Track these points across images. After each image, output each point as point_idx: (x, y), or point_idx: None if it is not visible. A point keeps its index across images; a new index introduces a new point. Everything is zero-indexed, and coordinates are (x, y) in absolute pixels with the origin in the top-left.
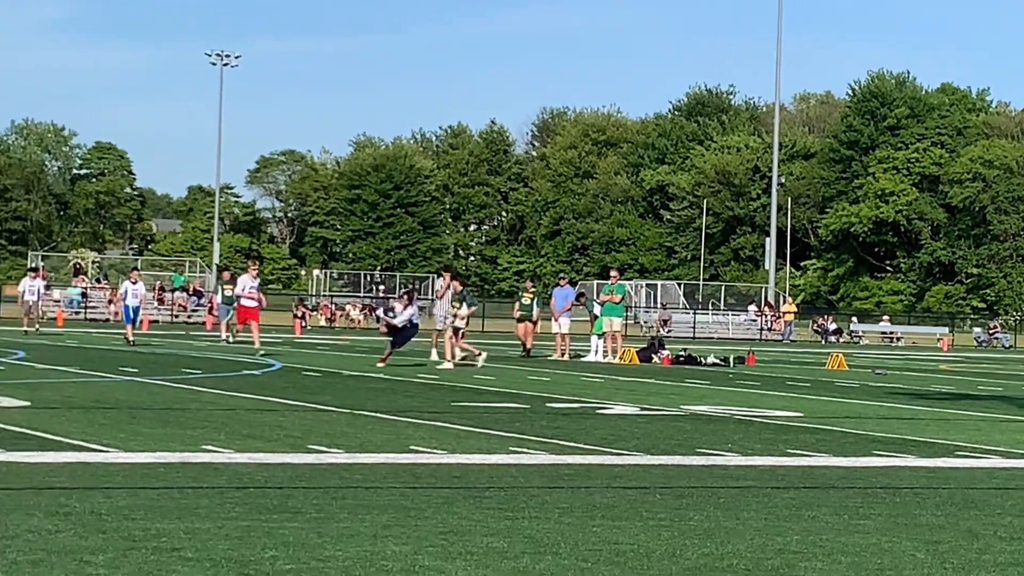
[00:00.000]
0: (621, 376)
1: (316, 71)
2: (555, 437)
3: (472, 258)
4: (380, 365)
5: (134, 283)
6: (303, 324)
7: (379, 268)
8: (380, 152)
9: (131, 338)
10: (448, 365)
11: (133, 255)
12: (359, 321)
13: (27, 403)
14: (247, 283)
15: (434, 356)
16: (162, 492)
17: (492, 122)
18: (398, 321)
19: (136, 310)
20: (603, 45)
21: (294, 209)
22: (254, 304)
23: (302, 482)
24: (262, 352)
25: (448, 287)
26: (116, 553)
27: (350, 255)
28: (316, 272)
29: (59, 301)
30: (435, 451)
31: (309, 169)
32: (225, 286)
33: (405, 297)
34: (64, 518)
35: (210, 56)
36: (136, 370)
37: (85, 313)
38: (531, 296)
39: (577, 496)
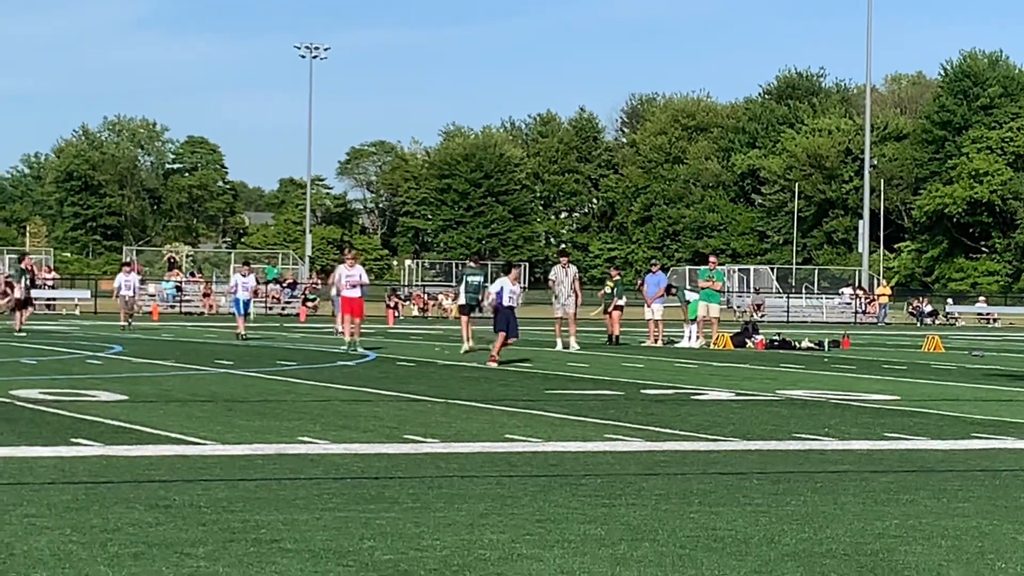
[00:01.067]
0: (715, 362)
1: (405, 61)
2: (650, 424)
3: (563, 245)
4: (492, 365)
5: (244, 276)
6: (396, 314)
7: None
8: (470, 141)
9: (242, 331)
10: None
11: (226, 248)
12: (451, 310)
13: (125, 397)
14: (343, 273)
15: (559, 345)
16: (260, 484)
17: (581, 109)
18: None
19: (247, 303)
20: (692, 30)
21: (385, 200)
22: (356, 294)
23: (398, 472)
24: (353, 347)
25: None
26: (216, 545)
27: (441, 245)
28: (408, 262)
29: (154, 295)
30: (530, 439)
31: (399, 159)
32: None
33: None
34: (164, 511)
35: (299, 49)
36: (231, 363)
37: (180, 307)
38: (612, 284)
39: (674, 483)
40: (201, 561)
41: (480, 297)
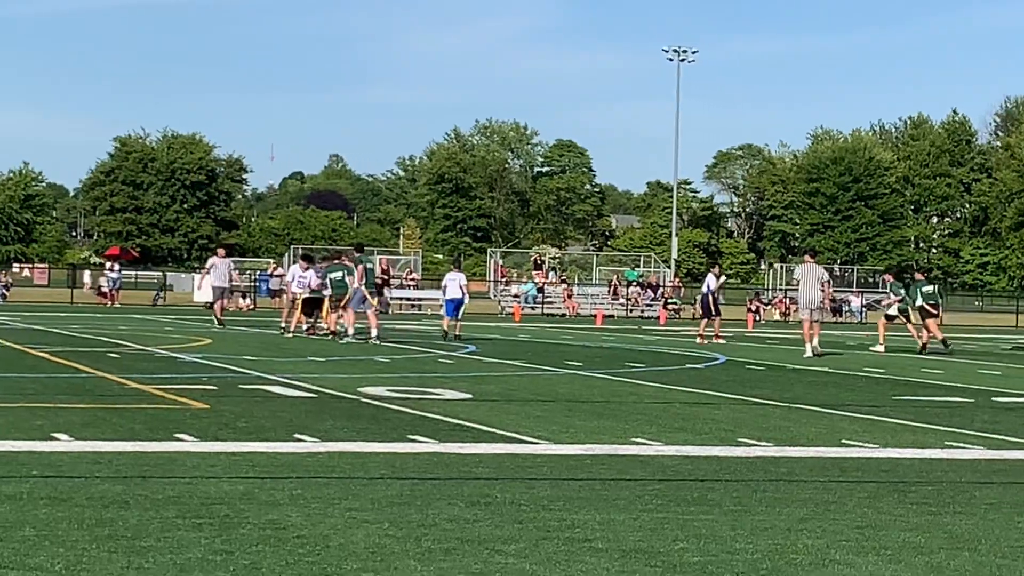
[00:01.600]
0: None
1: (773, 65)
2: (995, 432)
3: (934, 250)
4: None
5: (303, 271)
6: (756, 318)
7: (838, 262)
8: (839, 145)
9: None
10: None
11: (593, 251)
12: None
13: (469, 395)
14: (296, 273)
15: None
16: (584, 484)
17: (954, 112)
18: None
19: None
20: None
21: (752, 203)
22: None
23: (726, 475)
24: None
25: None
26: (528, 543)
27: (808, 247)
28: (776, 266)
29: (517, 296)
30: (866, 445)
31: (767, 163)
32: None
33: None
34: (483, 508)
35: (667, 52)
36: (580, 363)
37: (542, 308)
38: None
39: (1008, 492)
40: (511, 558)
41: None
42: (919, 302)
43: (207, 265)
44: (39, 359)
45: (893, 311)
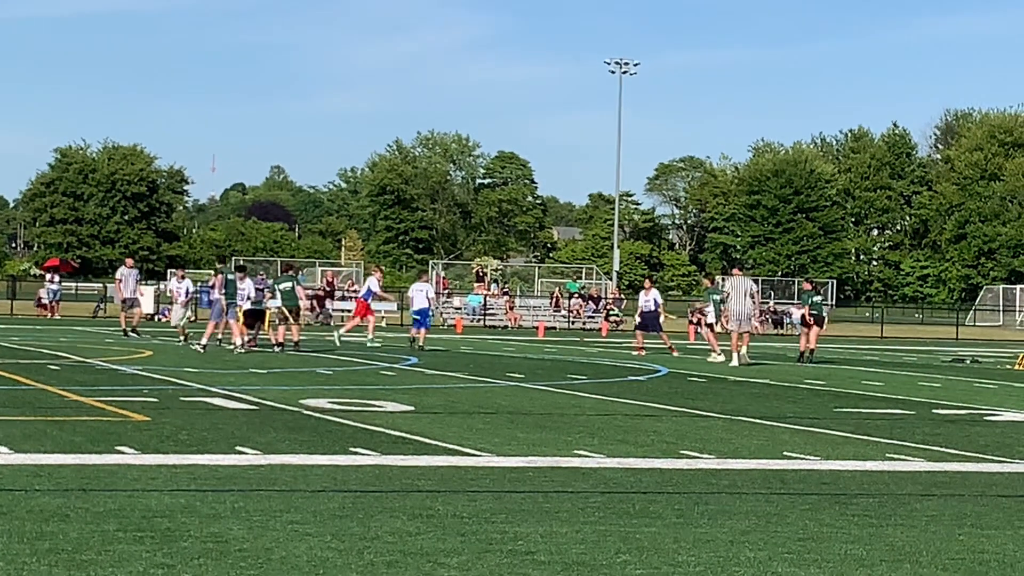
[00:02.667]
0: (1018, 383)
1: (714, 77)
2: (935, 444)
3: (874, 263)
4: None
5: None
6: (697, 331)
7: (779, 274)
8: (780, 157)
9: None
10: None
11: (535, 262)
12: (755, 328)
13: (411, 408)
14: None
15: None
16: (527, 496)
17: (894, 125)
18: None
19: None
20: (1010, 45)
21: (693, 215)
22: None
23: (668, 487)
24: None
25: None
26: (471, 555)
27: (750, 261)
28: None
29: (459, 308)
30: (808, 457)
31: (708, 175)
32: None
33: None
34: (426, 520)
35: (609, 64)
36: (523, 375)
37: (484, 320)
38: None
39: (948, 504)
40: (453, 571)
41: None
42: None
43: (117, 276)
44: None
45: (711, 319)
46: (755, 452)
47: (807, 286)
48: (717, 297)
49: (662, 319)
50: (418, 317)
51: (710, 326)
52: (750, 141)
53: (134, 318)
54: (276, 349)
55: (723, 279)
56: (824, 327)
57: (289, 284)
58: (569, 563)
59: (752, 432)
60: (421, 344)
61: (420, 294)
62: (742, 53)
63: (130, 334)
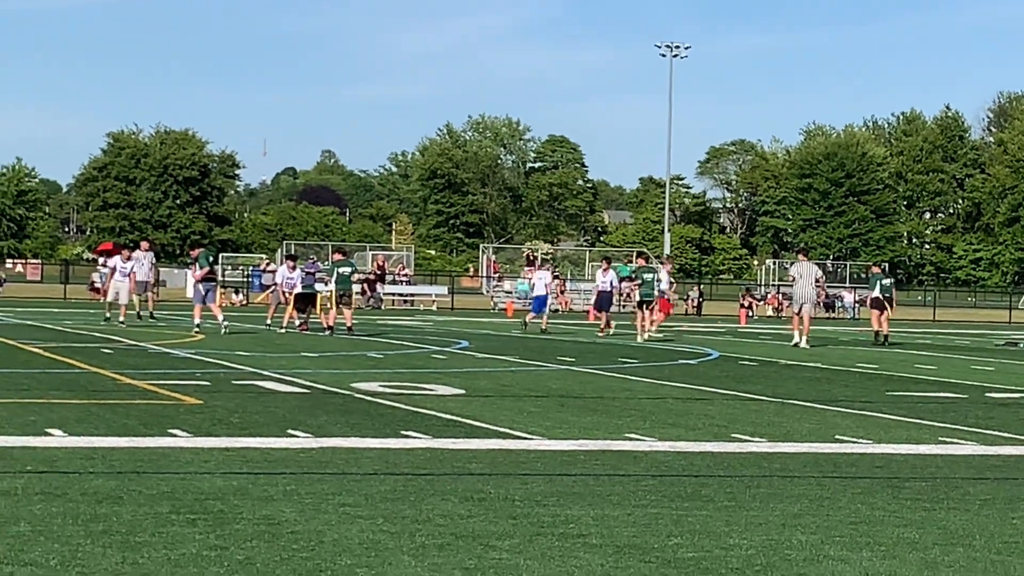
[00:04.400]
0: None
1: (766, 61)
2: (989, 428)
3: (927, 246)
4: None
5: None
6: (749, 314)
7: (831, 257)
8: (831, 140)
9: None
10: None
11: (586, 246)
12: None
13: (462, 391)
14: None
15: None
16: (578, 479)
17: (947, 107)
18: None
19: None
20: None
21: (744, 199)
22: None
23: (719, 470)
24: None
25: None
26: (522, 539)
27: (801, 244)
28: (768, 262)
29: (510, 292)
30: (860, 440)
31: (759, 158)
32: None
33: None
34: (477, 503)
35: (660, 48)
36: (573, 359)
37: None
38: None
39: (1001, 488)
40: (504, 554)
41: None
42: (875, 293)
43: (133, 257)
44: (33, 355)
45: (638, 298)
46: (807, 436)
47: (876, 269)
48: (649, 276)
49: (626, 299)
50: (537, 303)
51: (640, 305)
52: (801, 124)
53: (149, 301)
54: (327, 332)
55: (788, 263)
56: (893, 310)
57: (348, 269)
58: (621, 546)
59: (804, 416)
60: (544, 327)
61: (540, 282)
62: (793, 36)
63: (143, 317)
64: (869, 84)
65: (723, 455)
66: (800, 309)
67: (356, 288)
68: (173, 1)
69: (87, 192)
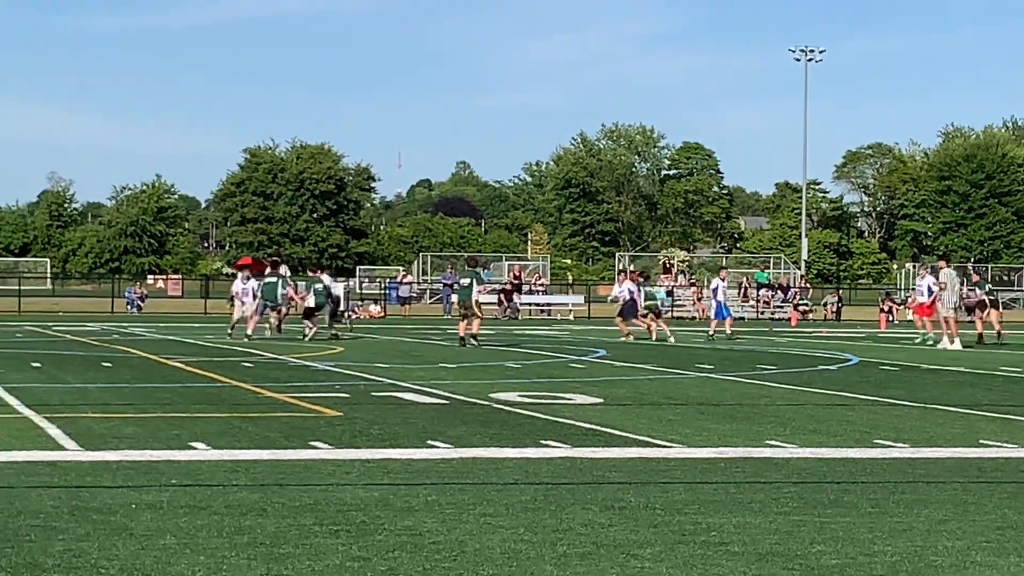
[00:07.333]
0: None
1: (902, 63)
2: None
3: None
4: None
5: (723, 280)
6: (889, 319)
7: (972, 260)
8: (971, 142)
9: (728, 332)
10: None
11: (722, 253)
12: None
13: (600, 400)
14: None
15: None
16: (718, 487)
17: None
18: None
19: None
20: None
21: (882, 203)
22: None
23: (862, 477)
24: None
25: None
26: (664, 547)
27: (941, 248)
28: (908, 265)
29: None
30: (1005, 445)
31: (897, 162)
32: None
33: None
34: (618, 512)
35: (794, 52)
36: (712, 366)
37: (671, 312)
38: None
39: None
40: (647, 562)
41: None
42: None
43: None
44: (175, 369)
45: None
46: (950, 440)
47: (976, 277)
48: (650, 290)
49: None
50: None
51: (645, 316)
52: (939, 126)
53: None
54: (460, 344)
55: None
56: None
57: (468, 279)
58: (763, 554)
59: (947, 420)
60: (728, 333)
61: (720, 289)
62: (929, 37)
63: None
64: (1008, 84)
65: (865, 461)
66: (951, 313)
67: (486, 298)
68: (306, 18)
69: (225, 207)
